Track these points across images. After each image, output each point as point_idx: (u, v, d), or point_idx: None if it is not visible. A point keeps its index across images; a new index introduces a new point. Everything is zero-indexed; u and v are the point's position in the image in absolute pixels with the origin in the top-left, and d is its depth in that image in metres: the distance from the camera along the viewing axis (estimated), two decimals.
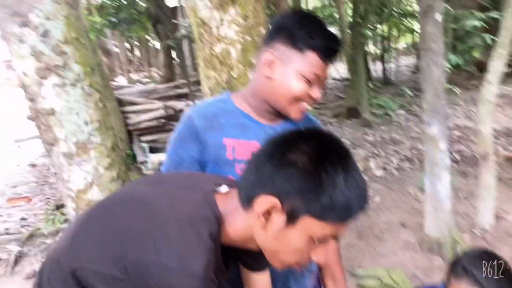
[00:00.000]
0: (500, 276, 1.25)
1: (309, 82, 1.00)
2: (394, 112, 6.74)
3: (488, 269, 1.27)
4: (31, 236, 3.25)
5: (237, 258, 0.99)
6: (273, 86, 1.02)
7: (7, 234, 3.42)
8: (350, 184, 0.69)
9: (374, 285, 2.46)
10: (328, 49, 0.99)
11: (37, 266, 2.84)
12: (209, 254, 0.72)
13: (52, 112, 1.27)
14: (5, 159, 6.17)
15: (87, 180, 1.33)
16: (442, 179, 2.67)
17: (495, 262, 1.29)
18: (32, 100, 1.27)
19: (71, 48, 1.29)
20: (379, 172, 4.33)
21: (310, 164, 0.69)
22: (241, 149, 1.06)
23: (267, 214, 0.73)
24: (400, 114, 6.88)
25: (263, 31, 1.61)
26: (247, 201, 0.75)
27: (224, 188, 0.84)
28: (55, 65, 1.24)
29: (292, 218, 0.71)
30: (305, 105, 1.05)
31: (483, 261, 1.30)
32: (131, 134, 5.42)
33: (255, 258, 0.97)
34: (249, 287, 1.03)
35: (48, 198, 4.33)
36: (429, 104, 2.67)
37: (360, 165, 4.56)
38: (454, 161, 4.46)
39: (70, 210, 1.38)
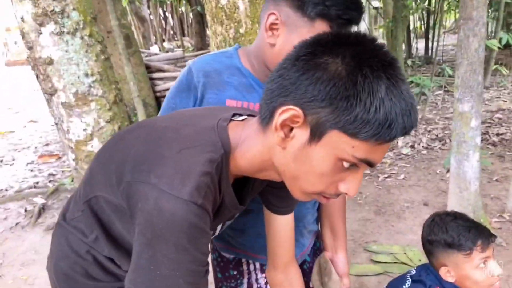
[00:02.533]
0: (463, 230, 1.23)
1: None
2: (431, 92, 6.38)
3: (449, 232, 1.26)
4: (56, 191, 3.41)
5: (261, 196, 0.93)
6: (274, 54, 0.89)
7: (35, 187, 3.61)
8: (393, 95, 0.56)
9: (387, 261, 2.38)
10: (343, 19, 0.84)
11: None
12: (203, 179, 0.64)
13: (50, 62, 1.26)
14: (41, 119, 6.46)
15: (87, 132, 1.33)
16: (470, 158, 2.50)
17: (452, 220, 1.29)
18: (30, 48, 1.26)
19: None
20: (406, 150, 4.14)
21: (343, 66, 0.57)
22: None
23: (288, 128, 0.62)
24: (437, 94, 6.51)
25: None
26: (266, 117, 0.64)
27: (243, 118, 0.76)
28: (52, 11, 1.21)
29: (317, 133, 0.59)
30: None
31: (442, 225, 1.29)
32: (159, 100, 5.49)
33: (278, 197, 0.90)
34: (271, 231, 0.97)
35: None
36: (462, 78, 2.47)
37: None
38: (492, 143, 4.19)
39: (70, 161, 1.39)
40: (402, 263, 2.35)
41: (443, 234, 1.26)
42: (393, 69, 0.58)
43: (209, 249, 0.71)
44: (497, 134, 4.41)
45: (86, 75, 1.32)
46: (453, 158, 2.59)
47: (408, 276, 1.42)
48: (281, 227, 0.95)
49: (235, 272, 1.15)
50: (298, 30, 0.86)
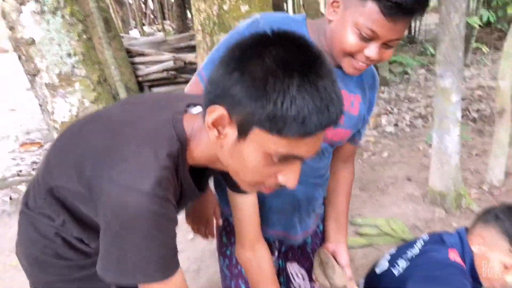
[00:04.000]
0: None
1: (364, 38, 0.83)
2: (414, 71, 6.47)
3: None
4: None
5: (223, 179, 0.96)
6: (331, 30, 0.88)
7: (19, 176, 3.57)
8: (306, 92, 0.58)
9: (373, 233, 2.46)
10: (395, 4, 0.77)
11: None
12: (163, 173, 0.68)
13: (32, 42, 1.24)
14: (20, 107, 6.31)
15: (72, 113, 1.32)
16: (451, 132, 2.57)
17: None
18: (11, 28, 1.23)
19: None
20: (389, 128, 4.22)
21: (259, 67, 0.60)
22: None
23: (221, 127, 0.66)
24: (420, 73, 6.61)
25: None
26: (204, 117, 0.68)
27: (197, 109, 0.79)
28: None
29: (243, 131, 0.63)
30: (359, 63, 0.88)
31: None
32: (142, 85, 5.42)
33: None
34: (234, 210, 1.00)
35: None
36: (444, 54, 2.52)
37: (371, 122, 4.46)
38: (472, 119, 4.31)
39: None
40: (387, 234, 2.44)
41: None
42: (310, 67, 0.60)
43: (176, 232, 0.75)
44: (477, 110, 4.53)
45: (69, 55, 1.31)
46: (435, 133, 2.66)
47: (420, 239, 1.46)
48: (246, 206, 0.98)
49: None
50: (352, 10, 0.83)
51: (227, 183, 0.97)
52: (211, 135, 0.67)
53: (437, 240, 1.43)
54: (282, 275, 1.27)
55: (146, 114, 0.77)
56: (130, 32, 10.47)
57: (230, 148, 0.67)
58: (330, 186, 1.22)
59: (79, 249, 0.87)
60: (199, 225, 1.16)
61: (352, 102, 1.02)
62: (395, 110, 4.79)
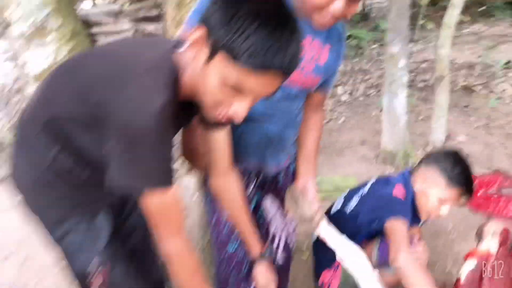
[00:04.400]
0: (461, 170, 1.47)
1: None
2: (368, 45, 6.76)
3: (454, 162, 1.48)
4: None
5: (201, 120, 1.05)
6: None
7: None
8: (262, 33, 0.70)
9: (330, 189, 2.68)
10: None
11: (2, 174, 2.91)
12: (166, 97, 0.78)
13: None
14: None
15: (46, 65, 1.35)
16: (399, 95, 2.82)
17: (460, 159, 1.51)
18: None
19: None
20: (344, 97, 4.47)
21: (238, 5, 0.72)
22: None
23: (199, 46, 0.78)
24: (373, 47, 6.90)
25: None
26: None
27: (183, 48, 0.89)
28: None
29: (212, 53, 0.75)
30: (326, 19, 1.02)
31: (451, 156, 1.52)
32: None
33: None
34: (209, 145, 1.10)
35: (15, 113, 4.28)
36: (392, 22, 2.73)
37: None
38: (419, 89, 4.64)
39: (30, 95, 1.41)
40: (342, 190, 2.67)
41: (453, 165, 1.47)
42: (278, 19, 0.72)
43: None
44: (423, 81, 4.89)
45: (41, 5, 1.33)
46: (385, 97, 2.89)
47: (369, 182, 1.67)
48: (218, 140, 1.09)
49: None
50: None
51: (203, 123, 1.08)
52: (191, 52, 0.79)
53: (384, 181, 1.65)
54: (260, 209, 1.42)
55: (140, 50, 0.87)
56: (81, 4, 9.92)
57: (200, 67, 0.78)
58: (302, 131, 1.37)
59: (69, 181, 0.95)
60: (194, 159, 1.28)
61: (321, 52, 1.18)
62: (350, 81, 5.04)
